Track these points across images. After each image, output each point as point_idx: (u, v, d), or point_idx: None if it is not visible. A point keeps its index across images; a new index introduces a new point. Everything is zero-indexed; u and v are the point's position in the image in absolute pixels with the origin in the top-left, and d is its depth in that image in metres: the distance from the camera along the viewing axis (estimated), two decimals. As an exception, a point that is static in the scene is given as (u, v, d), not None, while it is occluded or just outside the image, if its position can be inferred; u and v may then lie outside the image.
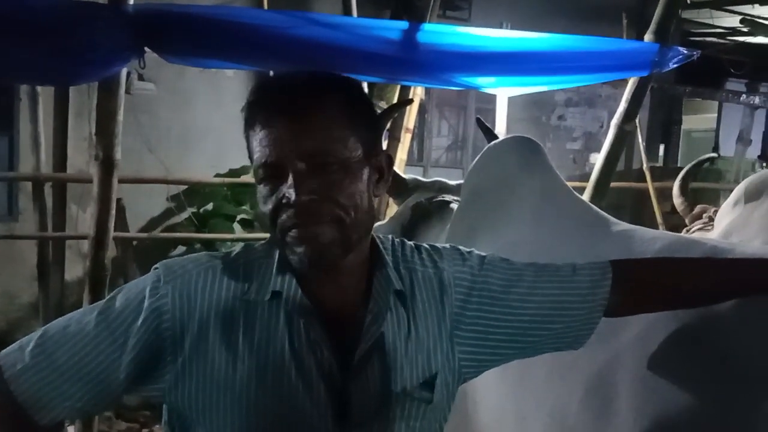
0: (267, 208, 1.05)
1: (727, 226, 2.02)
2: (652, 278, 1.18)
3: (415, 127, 5.62)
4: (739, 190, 2.07)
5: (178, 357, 1.05)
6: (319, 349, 1.05)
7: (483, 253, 1.20)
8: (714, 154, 3.59)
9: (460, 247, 1.21)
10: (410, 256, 1.17)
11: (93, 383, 1.04)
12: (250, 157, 1.08)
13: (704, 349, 1.16)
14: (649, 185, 5.33)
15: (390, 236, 1.20)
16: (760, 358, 1.10)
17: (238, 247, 1.15)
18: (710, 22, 8.21)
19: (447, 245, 1.22)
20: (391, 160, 1.14)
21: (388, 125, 4.56)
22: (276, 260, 1.09)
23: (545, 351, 1.20)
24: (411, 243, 1.20)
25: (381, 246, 1.15)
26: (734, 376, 1.11)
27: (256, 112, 1.06)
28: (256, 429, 1.04)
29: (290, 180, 1.02)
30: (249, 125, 1.06)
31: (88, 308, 1.08)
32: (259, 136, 1.04)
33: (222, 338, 1.05)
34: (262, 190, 1.06)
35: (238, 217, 5.51)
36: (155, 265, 1.10)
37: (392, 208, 3.81)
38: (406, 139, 4.86)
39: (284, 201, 1.02)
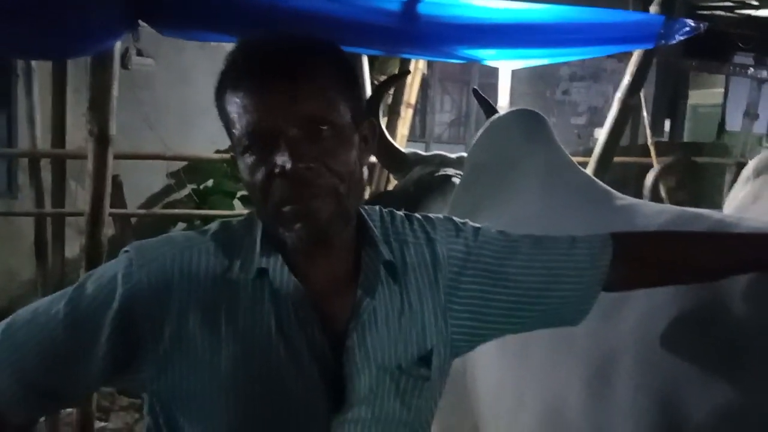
0: (255, 179, 0.98)
1: (739, 203, 2.02)
2: (654, 252, 1.14)
3: (417, 102, 5.56)
4: (748, 167, 2.07)
5: (158, 345, 0.99)
6: (309, 328, 1.00)
7: (477, 225, 1.16)
8: None
9: (454, 218, 1.16)
10: (401, 227, 1.12)
11: (65, 378, 0.99)
12: (227, 127, 1.01)
13: (714, 332, 1.12)
14: (654, 161, 5.27)
15: (377, 207, 1.14)
16: None
17: (214, 225, 1.08)
18: (718, -5, 8.08)
19: (440, 216, 1.17)
20: (374, 127, 1.09)
21: (389, 99, 4.52)
22: (259, 235, 1.04)
23: (542, 326, 1.16)
24: (401, 213, 1.15)
25: (368, 218, 1.10)
26: (749, 361, 1.08)
27: (237, 77, 0.99)
28: (245, 415, 0.99)
29: (283, 148, 0.95)
30: (229, 92, 0.99)
31: (57, 295, 1.01)
32: (243, 102, 0.97)
33: (204, 322, 0.99)
34: (247, 160, 0.99)
35: (238, 194, 5.47)
36: (125, 248, 1.04)
37: (393, 184, 3.76)
38: (407, 114, 4.80)
39: (277, 171, 0.96)
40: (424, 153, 2.56)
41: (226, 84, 1.00)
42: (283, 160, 0.95)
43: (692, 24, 3.40)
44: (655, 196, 2.77)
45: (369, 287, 1.05)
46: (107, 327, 0.98)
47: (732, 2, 8.35)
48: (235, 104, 0.99)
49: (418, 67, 4.66)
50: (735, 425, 1.07)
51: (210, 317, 1.00)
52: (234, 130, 1.00)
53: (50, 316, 0.98)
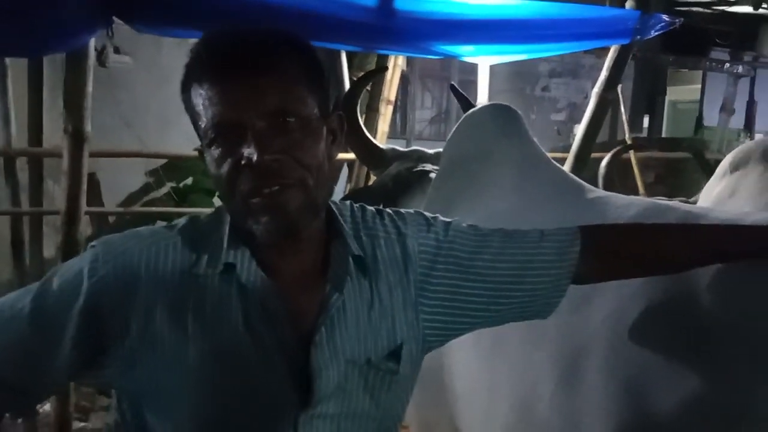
0: (221, 171, 0.98)
1: (715, 198, 2.03)
2: (622, 244, 1.15)
3: (397, 99, 5.55)
4: (724, 162, 2.08)
5: (125, 341, 0.98)
6: (277, 323, 1.00)
7: (448, 219, 1.16)
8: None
9: (425, 213, 1.17)
10: (371, 222, 1.12)
11: (32, 374, 0.99)
12: (194, 120, 1.00)
13: (681, 324, 1.14)
14: (632, 156, 5.31)
15: (348, 202, 1.14)
16: (742, 336, 1.07)
17: (182, 220, 1.08)
18: (695, -9, 8.16)
19: (411, 211, 1.17)
20: (342, 120, 1.08)
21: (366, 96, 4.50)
22: (226, 230, 1.03)
23: (513, 319, 1.16)
24: (372, 208, 1.15)
25: (337, 213, 1.10)
26: (716, 351, 1.09)
27: (204, 68, 0.98)
28: (212, 411, 0.99)
29: (250, 139, 0.95)
30: (194, 84, 0.99)
31: (23, 291, 1.01)
32: (209, 93, 0.97)
33: (171, 317, 0.99)
34: (213, 152, 0.98)
35: (218, 192, 5.43)
36: (92, 243, 1.03)
37: (373, 180, 3.76)
38: (387, 111, 4.79)
39: (244, 162, 0.96)
40: (402, 149, 2.56)
41: (191, 77, 1.00)
42: (249, 152, 0.95)
43: (667, 19, 3.44)
44: (608, 182, 2.78)
45: (338, 282, 1.04)
46: (73, 322, 0.97)
47: (709, -2, 8.44)
48: (200, 96, 0.98)
49: (398, 63, 4.65)
50: (701, 414, 1.08)
51: (177, 312, 0.99)
52: (200, 123, 0.99)
53: (16, 311, 0.98)
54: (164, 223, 1.10)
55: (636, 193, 5.13)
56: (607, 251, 1.14)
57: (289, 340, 1.01)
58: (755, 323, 1.08)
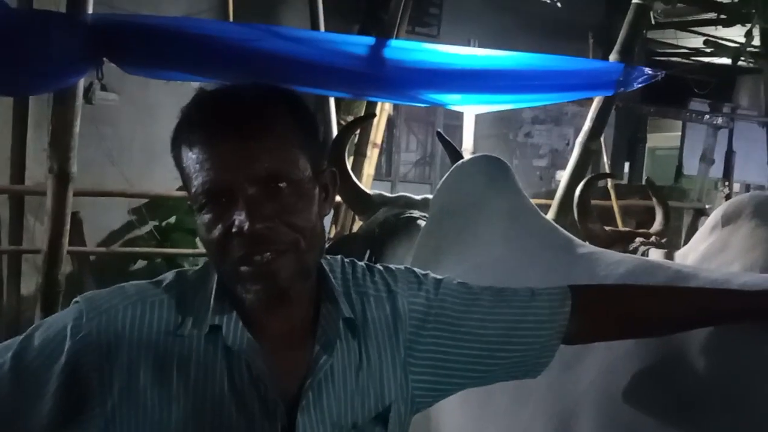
0: (212, 237, 0.96)
1: (705, 251, 2.02)
2: (612, 306, 1.15)
3: (383, 142, 5.59)
4: (716, 215, 2.07)
5: (106, 401, 0.96)
6: (262, 387, 0.98)
7: (439, 277, 1.15)
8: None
9: (416, 270, 1.15)
10: (362, 279, 1.10)
11: (11, 431, 0.95)
12: (183, 179, 0.99)
13: (672, 385, 1.13)
14: (614, 203, 5.37)
15: (339, 258, 1.13)
16: (732, 399, 1.07)
17: (169, 275, 1.06)
18: (675, 42, 8.36)
19: (402, 267, 1.16)
20: (335, 176, 1.07)
21: (355, 140, 4.54)
22: (213, 288, 1.01)
23: (502, 379, 1.15)
24: (362, 264, 1.14)
25: (328, 270, 1.08)
26: (706, 414, 1.09)
27: (194, 130, 0.96)
28: None
29: (241, 206, 0.94)
30: (185, 144, 0.97)
31: (3, 346, 0.98)
32: (199, 157, 0.95)
33: (154, 378, 0.96)
34: (204, 218, 0.96)
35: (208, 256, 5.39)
36: (76, 299, 1.01)
37: (358, 225, 3.76)
38: (373, 154, 4.84)
39: (235, 230, 0.94)
40: (389, 194, 2.56)
41: (181, 138, 0.98)
42: (240, 220, 0.94)
43: (650, 72, 3.51)
44: (582, 209, 2.77)
45: (327, 344, 1.02)
46: (54, 381, 0.95)
47: (688, 50, 8.65)
48: (191, 160, 0.97)
49: (385, 108, 4.71)
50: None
51: (161, 373, 0.97)
52: (190, 185, 0.98)
53: None
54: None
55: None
56: (598, 313, 1.14)
57: (274, 403, 0.98)
58: (745, 386, 1.08)
